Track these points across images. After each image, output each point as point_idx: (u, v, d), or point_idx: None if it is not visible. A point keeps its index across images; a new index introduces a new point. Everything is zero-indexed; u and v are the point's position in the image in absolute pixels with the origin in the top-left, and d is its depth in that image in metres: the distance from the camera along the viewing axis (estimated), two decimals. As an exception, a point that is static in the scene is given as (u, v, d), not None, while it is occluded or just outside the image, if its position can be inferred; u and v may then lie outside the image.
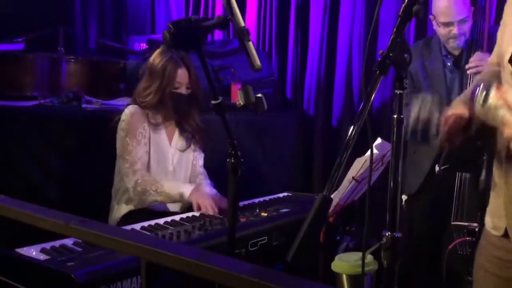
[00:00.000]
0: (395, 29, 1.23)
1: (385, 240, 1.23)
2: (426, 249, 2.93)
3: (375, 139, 2.32)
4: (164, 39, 1.45)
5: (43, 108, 3.08)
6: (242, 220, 2.26)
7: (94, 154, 2.89)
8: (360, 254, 2.15)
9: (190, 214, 2.36)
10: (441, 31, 2.72)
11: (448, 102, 2.78)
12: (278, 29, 4.07)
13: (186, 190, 2.38)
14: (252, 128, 3.34)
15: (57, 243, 1.83)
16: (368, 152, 1.35)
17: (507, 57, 1.46)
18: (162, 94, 2.47)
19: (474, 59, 2.60)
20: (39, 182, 2.76)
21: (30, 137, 2.74)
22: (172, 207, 2.59)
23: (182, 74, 2.49)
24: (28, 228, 1.32)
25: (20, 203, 1.39)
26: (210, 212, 2.32)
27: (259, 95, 1.58)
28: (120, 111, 2.58)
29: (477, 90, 1.36)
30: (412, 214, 2.88)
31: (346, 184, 2.32)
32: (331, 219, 2.44)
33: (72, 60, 3.53)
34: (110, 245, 1.19)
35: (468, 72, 2.63)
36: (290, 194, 2.86)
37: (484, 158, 2.11)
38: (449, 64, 2.80)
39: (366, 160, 2.24)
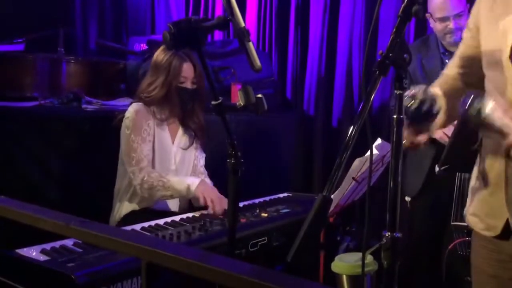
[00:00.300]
0: (394, 29, 1.23)
1: (385, 240, 1.23)
2: (426, 250, 2.93)
3: (375, 140, 2.32)
4: (164, 40, 1.45)
5: (43, 108, 3.08)
6: (242, 220, 2.26)
7: (94, 155, 2.89)
8: (360, 254, 2.16)
9: (190, 214, 2.36)
10: (438, 26, 2.74)
11: None
12: (278, 29, 4.07)
13: (193, 183, 2.37)
14: (252, 128, 3.34)
15: (57, 244, 1.83)
16: (368, 153, 1.35)
17: (506, 55, 1.46)
18: (168, 88, 2.46)
19: None
20: (39, 183, 2.76)
21: (30, 137, 2.74)
22: (172, 207, 2.59)
23: (187, 69, 2.49)
24: (28, 229, 1.32)
25: (20, 203, 1.39)
26: (217, 209, 2.31)
27: (259, 95, 1.58)
28: (120, 112, 2.57)
29: (468, 100, 1.39)
30: (412, 214, 2.88)
31: (346, 184, 2.32)
32: (331, 220, 2.44)
33: (72, 61, 3.53)
34: (110, 246, 1.19)
35: None
36: (290, 195, 2.86)
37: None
38: (446, 61, 2.82)
39: (366, 161, 2.24)
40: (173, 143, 2.58)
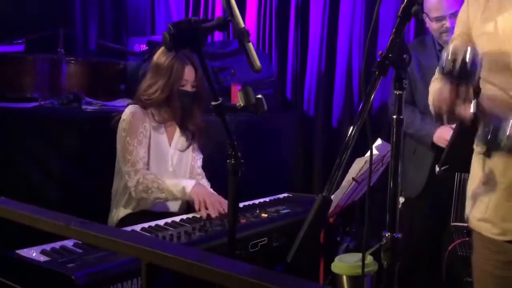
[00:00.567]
0: (394, 30, 1.24)
1: (385, 241, 1.23)
2: (426, 250, 2.93)
3: (375, 140, 2.32)
4: (164, 41, 1.45)
5: (43, 109, 3.08)
6: (243, 221, 2.26)
7: (95, 155, 2.89)
8: (360, 255, 2.16)
9: (190, 215, 2.36)
10: (434, 26, 2.75)
11: None
12: (278, 29, 4.07)
13: (188, 185, 2.37)
14: (252, 129, 3.34)
15: (57, 245, 1.83)
16: (368, 153, 1.35)
17: None
18: (170, 91, 2.46)
19: None
20: (40, 184, 2.76)
21: (30, 138, 2.74)
22: (171, 207, 2.59)
23: (189, 72, 2.49)
24: (28, 230, 1.32)
25: (20, 204, 1.39)
26: (210, 211, 2.31)
27: (259, 96, 1.58)
28: (120, 112, 2.57)
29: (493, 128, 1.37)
30: (412, 214, 2.88)
31: (346, 184, 2.32)
32: (331, 220, 2.44)
33: (72, 62, 3.53)
34: (111, 247, 1.19)
35: None
36: (290, 195, 2.85)
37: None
38: None
39: (366, 161, 2.24)
40: (170, 145, 2.58)
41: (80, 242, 1.81)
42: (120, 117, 2.49)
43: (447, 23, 2.69)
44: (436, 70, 1.73)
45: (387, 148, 2.29)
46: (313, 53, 3.90)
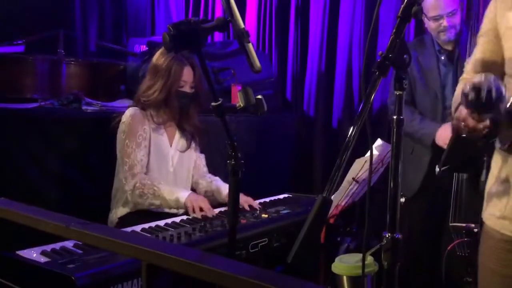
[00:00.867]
0: (394, 30, 1.24)
1: (385, 241, 1.23)
2: (425, 250, 2.93)
3: (375, 140, 2.33)
4: (163, 41, 1.45)
5: (44, 110, 3.08)
6: (243, 221, 2.26)
7: (95, 156, 2.89)
8: (360, 255, 2.16)
9: (190, 215, 2.36)
10: (432, 25, 2.77)
11: (442, 96, 2.81)
12: (278, 30, 4.07)
13: (182, 195, 2.37)
14: (252, 129, 3.34)
15: (57, 245, 1.83)
16: (368, 153, 1.35)
17: None
18: (168, 92, 2.47)
19: None
20: (40, 184, 2.76)
21: (30, 139, 2.74)
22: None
23: (187, 73, 2.49)
24: (28, 231, 1.32)
25: (21, 205, 1.39)
26: (207, 213, 2.31)
27: (259, 96, 1.58)
28: (120, 113, 2.57)
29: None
30: (411, 215, 2.88)
31: (346, 185, 2.32)
32: (331, 220, 2.44)
33: (72, 62, 3.53)
34: (111, 247, 1.19)
35: None
36: (291, 195, 2.86)
37: (484, 159, 2.11)
38: (442, 58, 2.84)
39: (366, 161, 2.24)
40: (171, 145, 2.58)
41: (80, 243, 1.81)
42: (120, 119, 2.49)
43: (444, 22, 2.71)
44: (466, 64, 1.73)
45: (387, 149, 2.29)
46: (313, 54, 3.90)
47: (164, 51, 2.48)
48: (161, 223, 2.21)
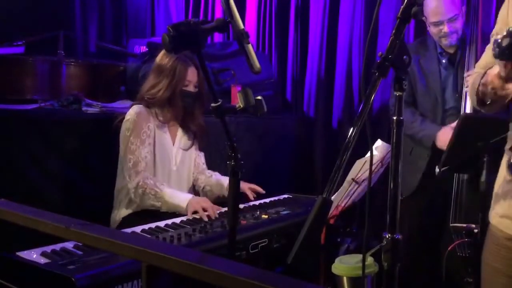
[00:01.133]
0: (394, 31, 1.24)
1: (385, 242, 1.23)
2: (424, 251, 2.93)
3: (375, 141, 2.33)
4: (163, 42, 1.45)
5: (44, 111, 3.08)
6: (243, 222, 2.26)
7: (95, 157, 2.89)
8: (360, 256, 2.16)
9: (190, 216, 2.36)
10: (433, 30, 2.77)
11: (442, 98, 2.81)
12: (278, 31, 4.07)
13: (183, 200, 2.36)
14: (252, 130, 3.34)
15: (57, 247, 1.83)
16: (368, 154, 1.35)
17: None
18: (172, 91, 2.47)
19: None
20: (40, 185, 2.76)
21: (30, 140, 2.74)
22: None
23: (191, 73, 2.50)
24: (28, 232, 1.32)
25: (21, 206, 1.39)
26: (210, 213, 2.31)
27: (259, 97, 1.59)
28: (120, 114, 2.58)
29: None
30: (410, 215, 2.88)
31: (346, 185, 2.32)
32: (331, 221, 2.44)
33: (72, 63, 3.53)
34: (111, 249, 1.19)
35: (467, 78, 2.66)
36: (291, 196, 2.85)
37: (484, 159, 2.11)
38: (444, 61, 2.84)
39: (366, 162, 2.24)
40: (173, 144, 2.59)
41: (81, 244, 1.81)
42: (124, 117, 2.50)
43: (445, 28, 2.71)
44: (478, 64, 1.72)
45: (387, 149, 2.30)
46: (313, 54, 3.90)
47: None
48: (161, 224, 2.21)
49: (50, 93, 3.33)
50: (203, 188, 2.69)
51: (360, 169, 2.27)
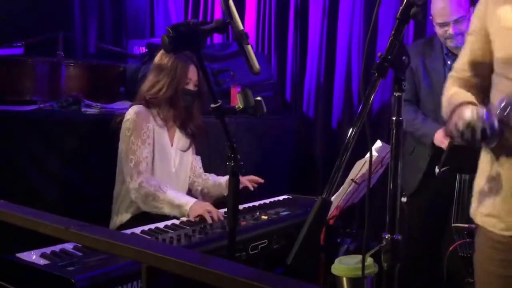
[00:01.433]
0: (393, 32, 1.24)
1: (385, 242, 1.23)
2: (424, 251, 2.93)
3: (374, 141, 2.33)
4: (163, 43, 1.45)
5: (43, 112, 3.08)
6: (242, 223, 2.26)
7: (94, 158, 2.89)
8: (360, 256, 2.15)
9: (190, 217, 2.35)
10: (438, 31, 2.76)
11: None
12: (277, 32, 4.07)
13: (186, 204, 2.34)
14: (251, 131, 3.34)
15: (57, 248, 1.83)
16: (368, 155, 1.36)
17: None
18: (174, 90, 2.46)
19: None
20: (39, 187, 2.76)
21: (30, 141, 2.74)
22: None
23: (192, 71, 2.50)
24: (28, 233, 1.32)
25: (20, 207, 1.39)
26: (214, 216, 2.31)
27: (259, 98, 1.59)
28: (119, 115, 2.57)
29: (503, 105, 1.38)
30: (411, 215, 2.88)
31: (346, 186, 2.32)
32: (331, 222, 2.44)
33: (72, 64, 3.53)
34: (110, 250, 1.19)
35: None
36: (290, 197, 2.85)
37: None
38: (449, 62, 2.82)
39: (365, 162, 2.24)
40: (172, 145, 2.58)
41: (80, 245, 1.81)
42: (123, 118, 2.49)
43: (450, 30, 2.68)
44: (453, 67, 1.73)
45: (386, 150, 2.30)
46: (312, 55, 3.90)
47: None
48: (161, 225, 2.21)
49: (49, 94, 3.33)
50: (201, 191, 2.68)
51: (360, 169, 2.27)
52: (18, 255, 1.74)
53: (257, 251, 2.15)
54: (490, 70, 1.58)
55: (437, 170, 2.45)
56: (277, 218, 2.40)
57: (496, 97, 1.53)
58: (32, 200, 2.61)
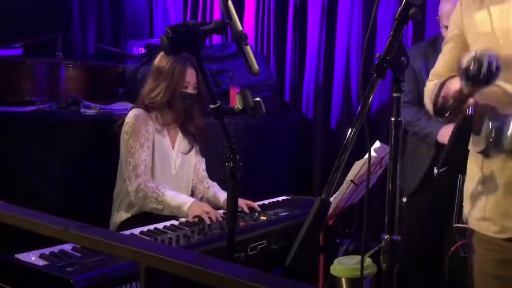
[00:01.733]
0: (392, 32, 1.24)
1: (384, 243, 1.23)
2: (426, 251, 2.93)
3: (373, 142, 2.33)
4: (162, 44, 1.45)
5: (42, 113, 3.08)
6: (241, 224, 2.26)
7: (93, 159, 2.89)
8: (359, 257, 2.15)
9: (189, 218, 2.35)
10: (445, 33, 2.72)
11: None
12: (276, 32, 4.07)
13: (184, 204, 2.35)
14: (251, 131, 3.34)
15: (56, 249, 1.83)
16: (367, 155, 1.36)
17: None
18: (172, 94, 2.47)
19: None
20: (38, 187, 2.76)
21: (29, 142, 2.74)
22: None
23: (190, 74, 2.49)
24: (27, 234, 1.32)
25: (19, 208, 1.39)
26: (213, 217, 2.31)
27: (258, 98, 1.59)
28: (118, 116, 2.57)
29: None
30: (412, 215, 2.88)
31: (345, 187, 2.32)
32: (330, 222, 2.44)
33: (71, 65, 3.53)
34: (109, 251, 1.19)
35: None
36: (289, 198, 2.85)
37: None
38: None
39: (364, 163, 2.24)
40: (173, 148, 2.58)
41: (79, 246, 1.81)
42: (123, 121, 2.49)
43: None
44: (431, 73, 1.74)
45: (385, 150, 2.30)
46: (311, 56, 3.90)
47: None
48: (160, 225, 2.21)
49: (48, 95, 3.33)
50: (201, 198, 2.68)
51: (359, 170, 2.27)
52: (17, 256, 1.74)
53: (256, 251, 2.15)
54: None
55: (435, 170, 2.45)
56: (276, 218, 2.40)
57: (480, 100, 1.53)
58: (31, 201, 2.61)
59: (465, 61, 1.34)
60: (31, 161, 2.74)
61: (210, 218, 2.29)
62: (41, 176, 2.76)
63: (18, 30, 3.77)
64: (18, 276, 1.70)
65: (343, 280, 2.14)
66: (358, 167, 2.27)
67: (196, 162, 2.69)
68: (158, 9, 4.66)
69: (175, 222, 2.28)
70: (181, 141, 2.61)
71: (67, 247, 1.84)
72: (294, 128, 3.87)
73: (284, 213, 2.47)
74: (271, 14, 4.08)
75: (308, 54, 3.93)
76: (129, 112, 2.51)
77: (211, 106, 1.52)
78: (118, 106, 3.33)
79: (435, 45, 2.85)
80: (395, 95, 1.26)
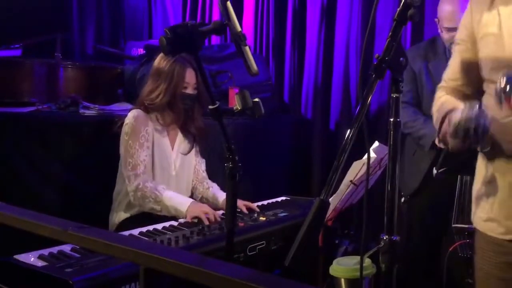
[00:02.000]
0: (390, 33, 1.24)
1: (383, 243, 1.23)
2: (426, 251, 2.93)
3: (372, 143, 2.33)
4: (161, 45, 1.45)
5: (41, 113, 3.08)
6: (241, 224, 2.26)
7: (92, 159, 2.89)
8: (358, 258, 2.16)
9: (188, 219, 2.35)
10: (445, 36, 2.71)
11: None
12: (275, 33, 4.07)
13: (183, 204, 2.35)
14: (249, 132, 3.34)
15: (55, 250, 1.82)
16: (366, 156, 1.36)
17: None
18: (172, 95, 2.47)
19: None
20: (38, 188, 2.76)
21: (28, 143, 2.74)
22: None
23: (190, 75, 2.50)
24: (26, 235, 1.32)
25: (18, 209, 1.39)
26: (211, 217, 2.31)
27: (257, 99, 1.59)
28: (117, 116, 2.57)
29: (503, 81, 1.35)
30: (411, 216, 2.88)
31: (344, 187, 2.32)
32: (329, 223, 2.44)
33: (70, 66, 3.53)
34: (108, 251, 1.19)
35: None
36: (289, 198, 2.85)
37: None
38: None
39: (363, 164, 2.24)
40: (172, 148, 2.58)
41: (78, 247, 1.81)
42: (123, 122, 2.50)
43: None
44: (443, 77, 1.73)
45: (384, 151, 2.30)
46: (310, 56, 3.91)
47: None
48: (159, 226, 2.21)
49: (47, 96, 3.33)
50: (200, 199, 2.68)
51: (358, 171, 2.28)
52: (16, 256, 1.74)
53: (255, 252, 2.15)
54: (480, 78, 1.58)
55: (434, 171, 2.45)
56: (275, 219, 2.40)
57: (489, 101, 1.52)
58: (30, 202, 2.61)
59: (451, 129, 1.36)
60: (30, 161, 2.74)
61: (208, 219, 2.29)
62: (40, 177, 2.77)
63: (17, 30, 3.77)
64: (17, 277, 1.70)
65: (342, 280, 2.14)
66: (357, 168, 2.27)
67: (196, 163, 2.69)
68: (157, 9, 4.66)
69: (174, 223, 2.28)
70: (181, 142, 2.61)
71: (66, 248, 1.84)
72: (293, 128, 3.87)
73: (283, 214, 2.48)
74: (270, 14, 4.08)
75: (307, 54, 3.93)
76: (129, 113, 2.51)
77: (210, 106, 1.52)
78: (117, 106, 3.33)
79: (434, 46, 2.84)
80: (393, 95, 1.26)
